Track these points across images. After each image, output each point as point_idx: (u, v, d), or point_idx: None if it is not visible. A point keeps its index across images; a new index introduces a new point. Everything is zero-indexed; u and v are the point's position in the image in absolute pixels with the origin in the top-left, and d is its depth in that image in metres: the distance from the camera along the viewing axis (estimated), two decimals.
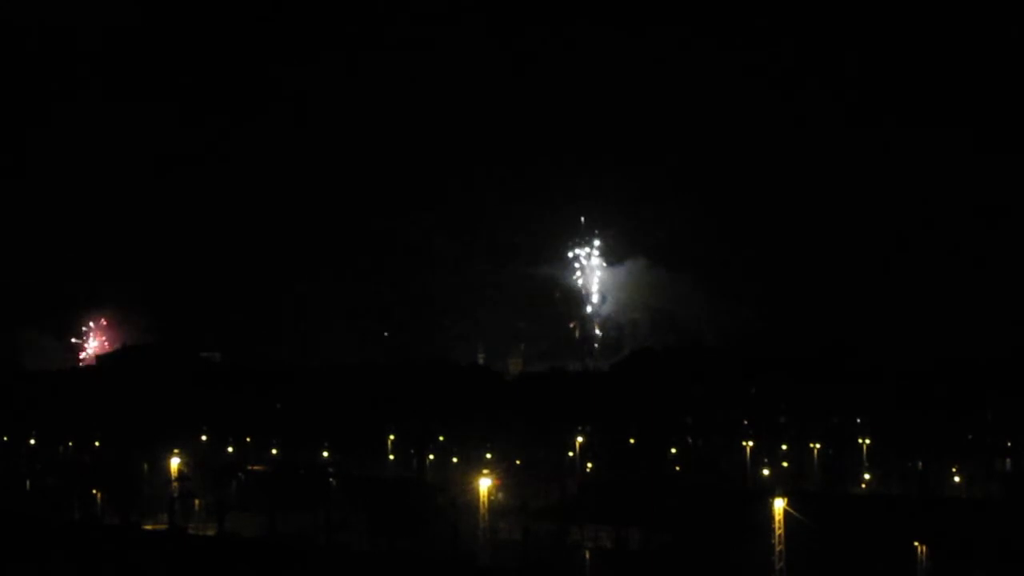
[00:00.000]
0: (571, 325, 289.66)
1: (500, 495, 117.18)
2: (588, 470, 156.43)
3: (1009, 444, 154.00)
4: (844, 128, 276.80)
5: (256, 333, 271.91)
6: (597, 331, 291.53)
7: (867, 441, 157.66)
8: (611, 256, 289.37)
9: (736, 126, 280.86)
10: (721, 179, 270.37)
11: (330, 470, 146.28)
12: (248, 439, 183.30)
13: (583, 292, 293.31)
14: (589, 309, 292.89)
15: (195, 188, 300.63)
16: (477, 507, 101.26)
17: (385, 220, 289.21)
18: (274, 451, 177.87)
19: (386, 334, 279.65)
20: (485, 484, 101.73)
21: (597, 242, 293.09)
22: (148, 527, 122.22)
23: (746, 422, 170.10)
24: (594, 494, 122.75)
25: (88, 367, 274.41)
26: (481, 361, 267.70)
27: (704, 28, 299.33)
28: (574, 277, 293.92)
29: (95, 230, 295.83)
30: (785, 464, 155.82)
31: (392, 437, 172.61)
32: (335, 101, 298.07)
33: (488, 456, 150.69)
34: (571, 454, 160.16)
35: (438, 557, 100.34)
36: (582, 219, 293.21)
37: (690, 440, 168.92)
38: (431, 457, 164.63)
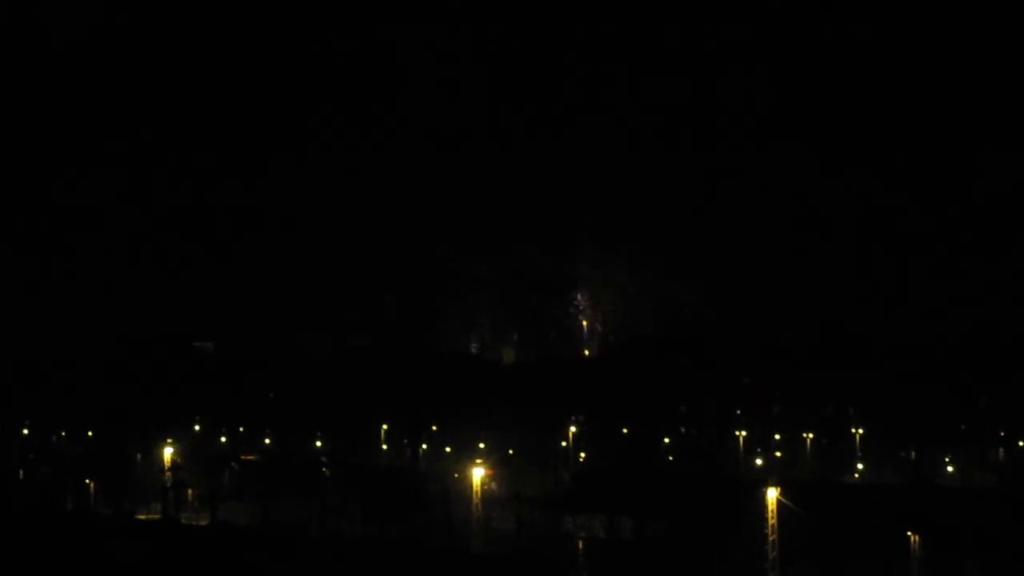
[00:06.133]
0: (564, 315, 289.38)
1: (493, 484, 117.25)
2: (581, 459, 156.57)
3: (1002, 433, 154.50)
4: (837, 115, 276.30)
5: (249, 322, 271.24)
6: (590, 320, 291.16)
7: (860, 430, 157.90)
8: (605, 245, 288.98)
9: (734, 117, 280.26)
10: (714, 168, 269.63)
11: (323, 459, 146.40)
12: (241, 428, 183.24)
13: (577, 281, 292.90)
14: (583, 298, 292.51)
15: (190, 181, 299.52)
16: (470, 496, 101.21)
17: (380, 214, 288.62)
18: (267, 440, 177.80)
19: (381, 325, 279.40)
20: (478, 473, 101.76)
21: (591, 231, 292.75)
22: (141, 517, 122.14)
23: (739, 412, 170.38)
24: (587, 483, 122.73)
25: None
26: (474, 350, 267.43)
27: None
28: (568, 266, 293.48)
29: (92, 226, 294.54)
30: (778, 453, 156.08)
31: (385, 426, 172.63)
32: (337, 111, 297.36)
33: (481, 445, 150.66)
34: (564, 443, 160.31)
35: (432, 545, 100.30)
36: (574, 208, 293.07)
37: (683, 430, 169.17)
38: (424, 446, 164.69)
